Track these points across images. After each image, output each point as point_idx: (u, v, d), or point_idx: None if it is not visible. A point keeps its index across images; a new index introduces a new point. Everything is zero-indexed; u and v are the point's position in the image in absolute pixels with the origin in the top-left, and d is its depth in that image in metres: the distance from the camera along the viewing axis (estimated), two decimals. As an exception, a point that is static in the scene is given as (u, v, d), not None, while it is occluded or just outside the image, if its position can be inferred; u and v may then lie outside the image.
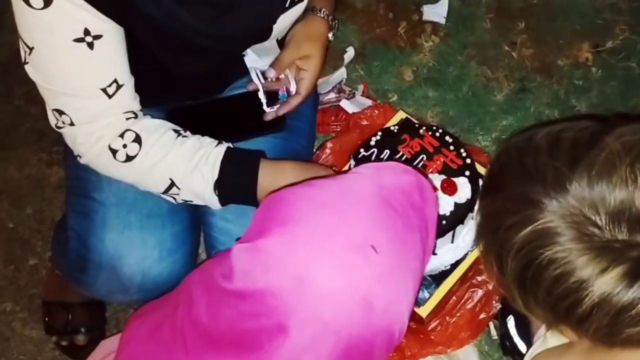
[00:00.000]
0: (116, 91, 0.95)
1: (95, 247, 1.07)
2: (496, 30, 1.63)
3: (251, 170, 1.01)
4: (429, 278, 1.18)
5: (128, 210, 1.08)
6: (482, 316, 1.24)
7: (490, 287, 1.22)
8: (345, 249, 0.68)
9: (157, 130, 1.00)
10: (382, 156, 1.18)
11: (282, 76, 1.15)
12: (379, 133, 1.21)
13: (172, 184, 0.99)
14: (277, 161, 1.05)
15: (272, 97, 1.15)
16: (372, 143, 1.20)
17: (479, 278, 1.23)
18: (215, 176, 0.99)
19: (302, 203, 0.72)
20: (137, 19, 0.92)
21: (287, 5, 1.06)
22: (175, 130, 1.02)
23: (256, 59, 1.15)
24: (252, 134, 1.16)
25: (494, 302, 1.24)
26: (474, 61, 1.59)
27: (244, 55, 1.15)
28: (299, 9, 1.10)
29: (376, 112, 1.41)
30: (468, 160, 1.17)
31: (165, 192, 1.01)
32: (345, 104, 1.48)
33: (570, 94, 1.54)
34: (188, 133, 1.03)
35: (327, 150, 1.35)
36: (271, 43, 1.15)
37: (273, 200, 0.75)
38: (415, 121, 1.30)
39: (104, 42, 0.91)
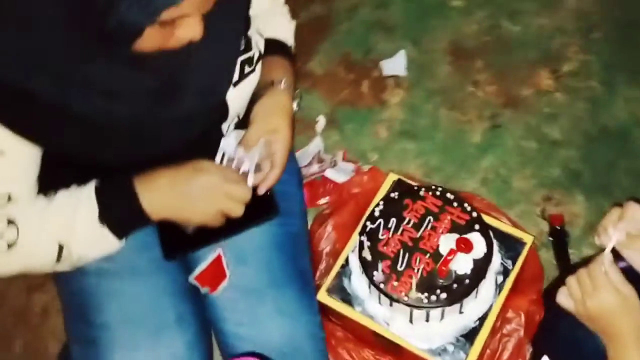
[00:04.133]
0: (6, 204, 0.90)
1: None
2: (457, 73, 1.65)
3: (128, 189, 0.95)
4: (461, 339, 1.15)
5: (135, 328, 1.02)
6: (517, 364, 1.22)
7: (521, 333, 1.21)
8: None
9: (27, 204, 0.93)
10: (389, 225, 1.17)
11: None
12: (381, 202, 1.19)
13: (61, 248, 0.93)
14: (150, 173, 0.98)
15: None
16: (377, 214, 1.18)
17: (509, 327, 1.21)
18: (97, 210, 0.94)
19: None
20: (74, 124, 0.88)
21: (237, 79, 1.03)
22: (44, 194, 0.96)
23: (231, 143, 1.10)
24: (249, 225, 1.11)
25: (526, 346, 1.22)
26: (442, 107, 1.60)
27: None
28: (252, 80, 1.06)
29: (365, 177, 1.39)
30: (474, 214, 1.17)
31: (58, 258, 0.94)
32: (330, 173, 1.45)
33: (541, 123, 1.57)
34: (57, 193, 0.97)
35: (329, 228, 1.32)
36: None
37: None
38: (409, 181, 1.29)
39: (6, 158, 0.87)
